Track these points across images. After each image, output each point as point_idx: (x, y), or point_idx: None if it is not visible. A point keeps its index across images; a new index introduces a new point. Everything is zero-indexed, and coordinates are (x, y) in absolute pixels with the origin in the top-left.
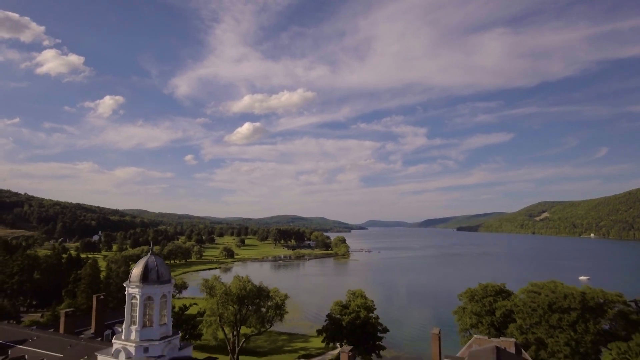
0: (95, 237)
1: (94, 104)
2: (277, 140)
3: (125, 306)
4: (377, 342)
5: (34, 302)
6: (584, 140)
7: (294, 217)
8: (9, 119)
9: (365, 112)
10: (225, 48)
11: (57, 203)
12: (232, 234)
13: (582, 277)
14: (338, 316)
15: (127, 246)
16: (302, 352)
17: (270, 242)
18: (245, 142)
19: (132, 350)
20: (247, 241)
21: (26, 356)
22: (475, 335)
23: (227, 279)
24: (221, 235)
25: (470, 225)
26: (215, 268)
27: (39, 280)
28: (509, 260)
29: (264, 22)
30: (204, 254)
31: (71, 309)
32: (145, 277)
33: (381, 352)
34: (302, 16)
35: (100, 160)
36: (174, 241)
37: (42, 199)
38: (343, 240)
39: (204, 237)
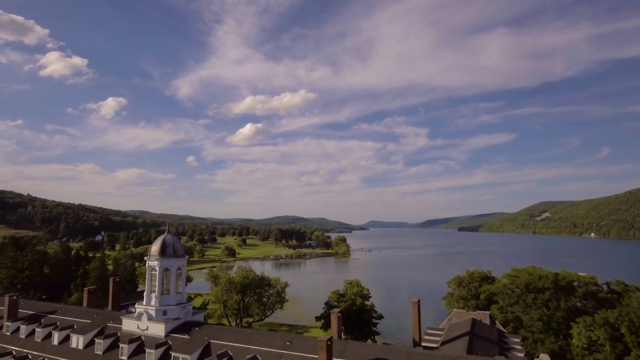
0: (99, 237)
1: (97, 105)
2: (279, 142)
3: (146, 277)
4: (372, 328)
5: (44, 296)
6: (586, 141)
7: (295, 217)
8: (12, 121)
9: (366, 112)
10: (227, 49)
11: (60, 204)
12: (233, 234)
13: (580, 274)
14: (335, 304)
15: (130, 246)
16: None
17: (271, 241)
18: (246, 144)
19: (152, 313)
20: (248, 241)
21: (58, 323)
22: (455, 310)
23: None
24: (223, 235)
25: (472, 225)
26: (217, 267)
27: (48, 275)
28: (508, 258)
29: (265, 24)
30: (206, 253)
31: (93, 287)
32: (163, 252)
33: (376, 338)
34: (303, 17)
35: (101, 162)
36: None
37: (45, 200)
38: (344, 240)
39: (205, 237)
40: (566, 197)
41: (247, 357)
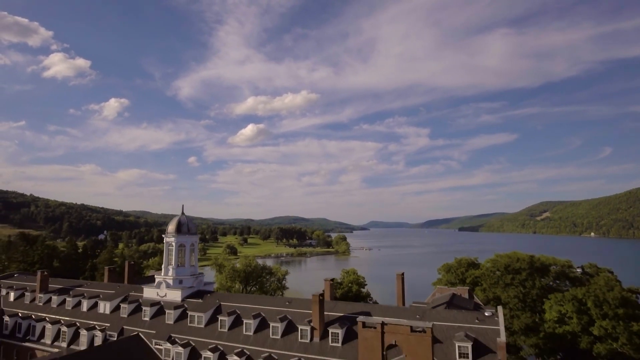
0: (101, 236)
1: (99, 106)
2: (280, 142)
3: (164, 252)
4: None
5: None
6: (588, 141)
7: (296, 218)
8: (14, 122)
9: (368, 113)
10: (228, 50)
11: (63, 204)
12: (234, 234)
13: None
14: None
15: (133, 244)
16: None
17: (272, 241)
18: (248, 144)
19: (170, 281)
20: (249, 240)
21: (85, 294)
22: (438, 286)
23: None
24: (224, 234)
25: (472, 225)
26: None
27: (58, 269)
28: None
29: (267, 24)
30: (207, 252)
31: (113, 266)
32: (179, 229)
33: None
34: (305, 18)
35: (102, 163)
36: None
37: (48, 200)
38: (344, 239)
39: (207, 237)
40: (567, 198)
41: (253, 314)
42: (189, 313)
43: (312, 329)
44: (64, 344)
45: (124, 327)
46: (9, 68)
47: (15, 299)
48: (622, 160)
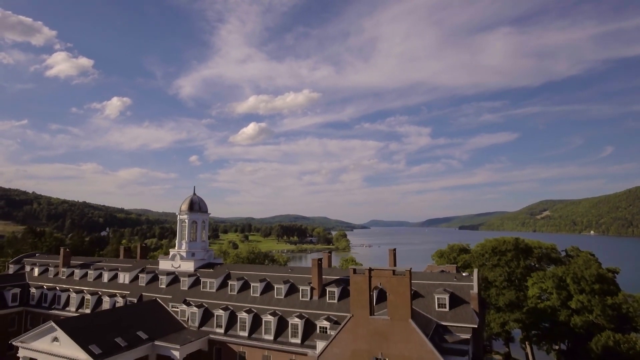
0: (104, 233)
1: (101, 105)
2: (281, 141)
3: (177, 228)
4: None
5: None
6: (589, 140)
7: (297, 216)
8: (16, 121)
9: (369, 112)
10: (230, 49)
11: (65, 201)
12: (235, 231)
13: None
14: None
15: (136, 240)
16: None
17: (273, 238)
18: (249, 143)
19: (183, 254)
20: (250, 237)
21: (105, 267)
22: (428, 264)
23: None
24: (225, 232)
25: (473, 224)
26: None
27: None
28: None
29: (269, 23)
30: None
31: (127, 245)
32: (191, 207)
33: None
34: (307, 17)
35: (104, 162)
36: None
37: (50, 197)
38: (344, 236)
39: (209, 234)
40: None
41: (259, 279)
42: (202, 279)
43: (312, 289)
44: (88, 310)
45: (143, 293)
46: (11, 67)
47: (39, 274)
48: (624, 159)
